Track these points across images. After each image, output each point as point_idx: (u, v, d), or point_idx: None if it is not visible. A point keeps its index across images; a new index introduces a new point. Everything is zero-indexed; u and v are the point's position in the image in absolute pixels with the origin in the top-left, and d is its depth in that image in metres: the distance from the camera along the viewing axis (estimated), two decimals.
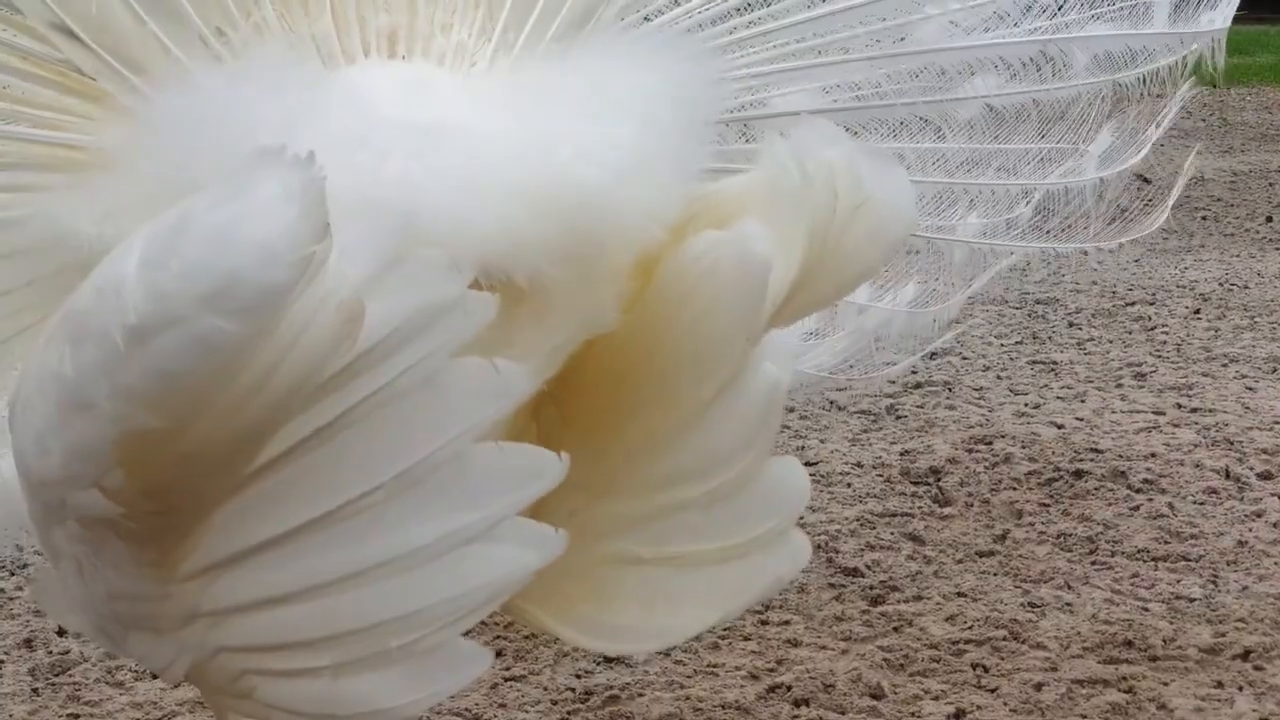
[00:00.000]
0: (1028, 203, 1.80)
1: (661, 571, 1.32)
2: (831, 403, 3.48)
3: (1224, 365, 3.82)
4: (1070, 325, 4.26)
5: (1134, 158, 1.82)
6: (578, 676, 2.24)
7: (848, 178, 1.23)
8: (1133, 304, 4.47)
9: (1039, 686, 2.19)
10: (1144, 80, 1.72)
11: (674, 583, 1.32)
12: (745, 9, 1.51)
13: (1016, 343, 4.08)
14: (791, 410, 3.35)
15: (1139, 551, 2.67)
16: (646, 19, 1.47)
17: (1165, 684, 2.19)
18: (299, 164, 1.05)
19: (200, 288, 1.02)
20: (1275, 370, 3.77)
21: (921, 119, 1.65)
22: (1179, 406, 3.47)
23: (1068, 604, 2.46)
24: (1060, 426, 3.33)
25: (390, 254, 1.09)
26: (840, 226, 1.23)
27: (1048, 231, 1.82)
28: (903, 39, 1.58)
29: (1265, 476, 3.03)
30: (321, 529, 1.12)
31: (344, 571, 1.12)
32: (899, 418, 3.42)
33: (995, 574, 2.59)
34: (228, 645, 1.17)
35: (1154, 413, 3.43)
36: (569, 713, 2.16)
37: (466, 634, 1.16)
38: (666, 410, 1.28)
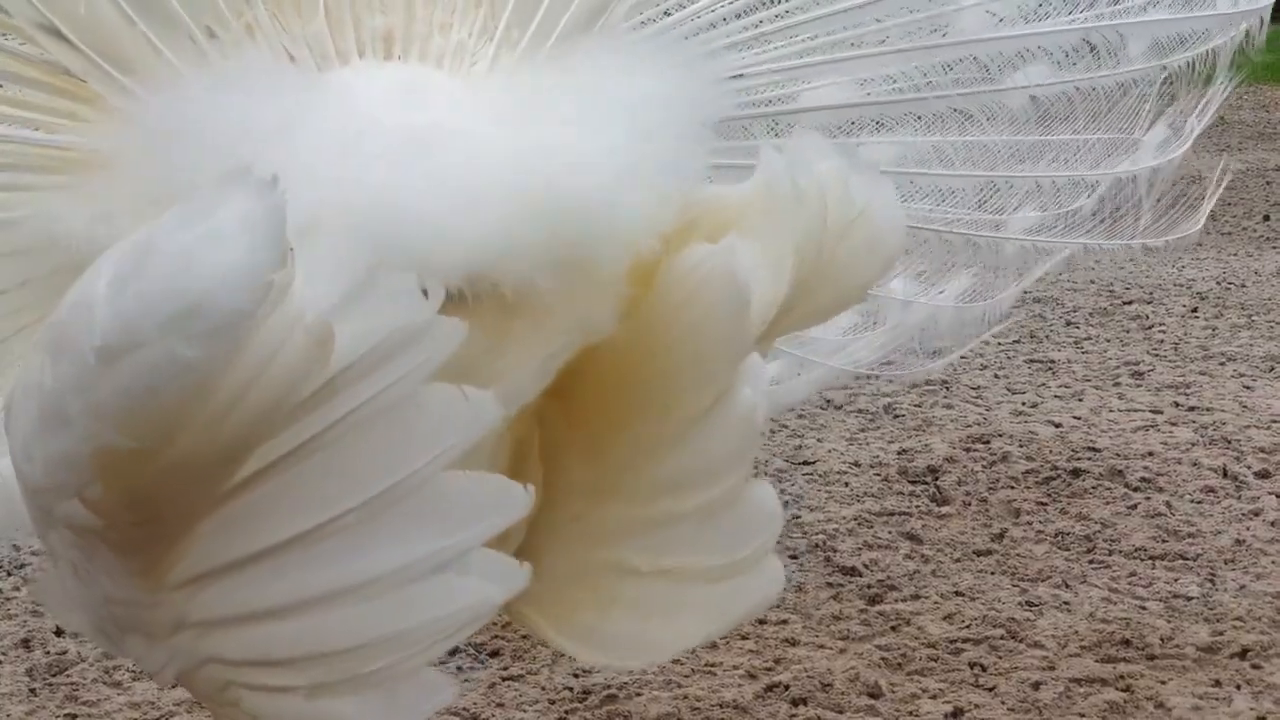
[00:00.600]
0: (1090, 195, 1.79)
1: (657, 584, 1.32)
2: (829, 402, 3.49)
3: (1221, 364, 3.82)
4: (1068, 324, 4.26)
5: (1179, 149, 1.81)
6: (575, 676, 2.24)
7: (838, 191, 1.23)
8: (1130, 303, 4.47)
9: (1037, 685, 2.19)
10: (1193, 65, 1.71)
11: (668, 596, 1.32)
12: (772, 1, 1.50)
13: (1014, 342, 4.08)
14: (789, 409, 3.35)
15: (1136, 550, 2.67)
16: (666, 13, 1.46)
17: (1163, 683, 2.19)
18: (262, 188, 1.04)
19: (162, 313, 1.02)
20: (1273, 369, 3.77)
21: (958, 111, 1.63)
22: (1176, 405, 3.47)
23: (1065, 603, 2.46)
24: (1058, 425, 3.33)
25: (364, 274, 1.09)
26: (835, 239, 1.23)
27: (1100, 224, 1.81)
28: (935, 30, 1.56)
29: (1263, 475, 3.03)
30: (297, 549, 1.12)
31: (318, 592, 1.13)
32: (896, 417, 3.42)
33: (993, 573, 2.59)
34: (214, 656, 1.17)
35: (1151, 411, 3.43)
36: (567, 712, 2.16)
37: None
38: (667, 414, 1.28)
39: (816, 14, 1.51)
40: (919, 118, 1.63)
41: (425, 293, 1.11)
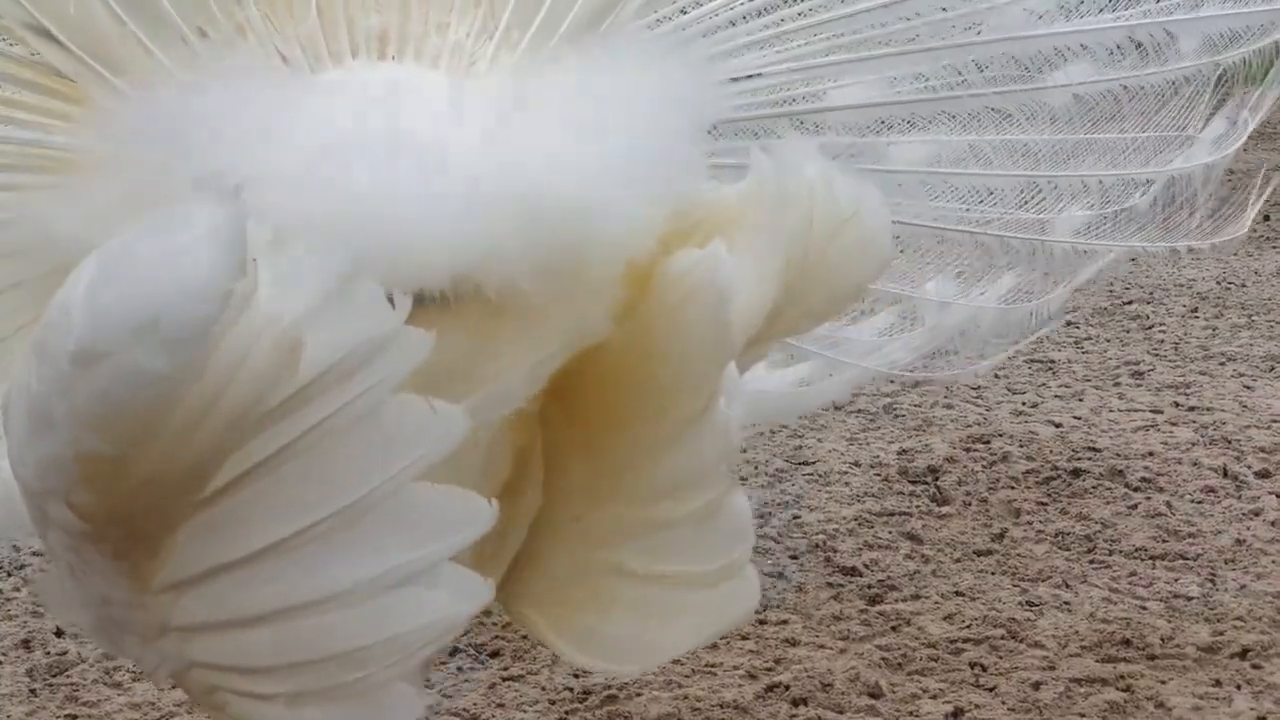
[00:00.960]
0: (1143, 193, 1.77)
1: (654, 589, 1.33)
2: (829, 402, 3.48)
3: (1221, 364, 3.81)
4: (1068, 324, 4.25)
5: (1233, 145, 1.79)
6: (575, 676, 2.24)
7: (825, 193, 1.23)
8: (1130, 303, 4.46)
9: (1037, 685, 2.19)
10: (1249, 61, 1.68)
11: (667, 599, 1.33)
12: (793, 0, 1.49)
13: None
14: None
15: (1137, 550, 2.67)
16: (683, 11, 1.46)
17: (1163, 682, 2.19)
18: (224, 196, 1.05)
19: (128, 322, 1.03)
20: (1273, 369, 3.77)
21: (995, 110, 1.61)
22: (1177, 405, 3.47)
23: (1066, 603, 2.46)
24: (1058, 425, 3.33)
25: (335, 282, 1.09)
26: (824, 240, 1.23)
27: (1154, 223, 1.78)
28: (969, 28, 1.55)
29: (1263, 475, 3.02)
30: (271, 558, 1.12)
31: (293, 601, 1.13)
32: (896, 417, 3.42)
33: (993, 573, 2.59)
34: (199, 661, 1.18)
35: (1152, 411, 3.43)
36: (567, 712, 2.16)
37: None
38: (665, 415, 1.28)
39: (840, 12, 1.50)
40: (953, 116, 1.62)
41: (392, 302, 1.11)
